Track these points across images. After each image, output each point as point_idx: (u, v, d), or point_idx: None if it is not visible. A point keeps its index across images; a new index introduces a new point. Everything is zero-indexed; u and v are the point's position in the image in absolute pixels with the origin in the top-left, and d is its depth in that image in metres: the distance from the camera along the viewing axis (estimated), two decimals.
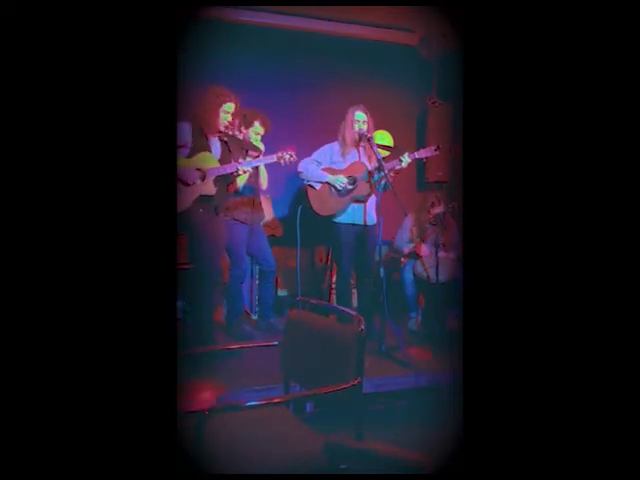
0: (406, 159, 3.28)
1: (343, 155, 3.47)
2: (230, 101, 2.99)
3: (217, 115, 2.96)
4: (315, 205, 3.46)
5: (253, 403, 1.58)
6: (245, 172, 3.05)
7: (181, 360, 1.48)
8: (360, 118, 3.39)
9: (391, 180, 3.25)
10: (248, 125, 3.49)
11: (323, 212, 3.46)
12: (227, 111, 3.00)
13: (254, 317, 4.01)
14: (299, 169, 3.50)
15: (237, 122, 3.12)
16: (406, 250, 3.90)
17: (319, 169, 3.47)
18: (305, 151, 3.56)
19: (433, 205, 3.87)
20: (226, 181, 3.11)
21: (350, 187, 3.41)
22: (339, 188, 3.41)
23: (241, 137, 3.48)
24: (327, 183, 3.44)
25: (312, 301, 1.98)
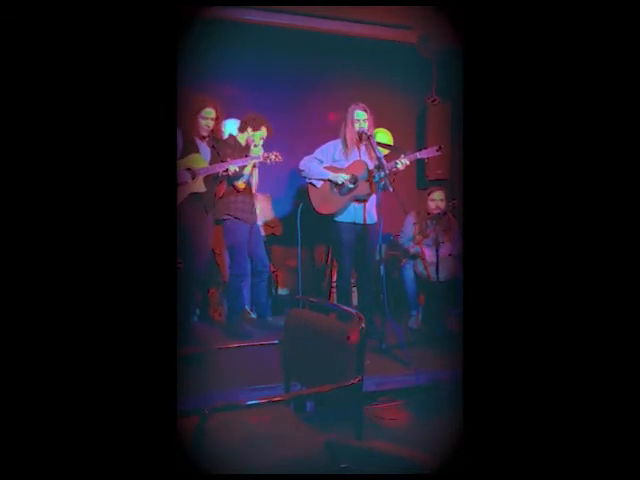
0: (403, 162, 3.28)
1: (345, 154, 3.46)
2: (209, 106, 3.05)
3: (196, 121, 3.04)
4: (316, 203, 3.46)
5: (253, 402, 1.58)
6: (235, 172, 3.13)
7: (181, 359, 1.48)
8: (360, 117, 3.37)
9: (391, 180, 3.26)
10: (256, 128, 3.55)
11: (323, 210, 3.45)
12: (206, 117, 3.06)
13: (253, 316, 4.02)
14: (300, 167, 3.50)
15: (219, 127, 3.21)
16: (411, 250, 3.91)
17: (320, 167, 3.47)
18: (304, 151, 3.57)
19: (432, 192, 3.98)
20: (216, 181, 3.20)
21: (351, 186, 3.41)
22: (339, 183, 3.40)
23: (240, 140, 3.57)
24: (328, 181, 3.44)
25: (312, 299, 1.97)
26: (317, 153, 3.51)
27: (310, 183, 3.49)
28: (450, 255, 3.82)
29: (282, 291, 4.48)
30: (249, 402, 1.56)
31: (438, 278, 3.50)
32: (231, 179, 3.39)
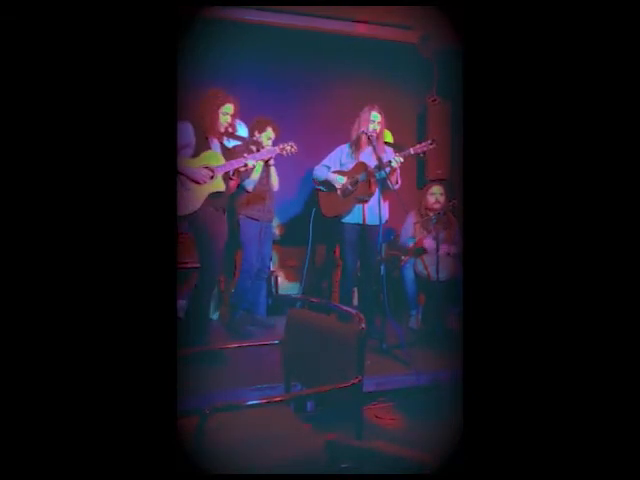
0: (397, 159, 3.31)
1: (353, 156, 3.56)
2: (229, 102, 3.02)
3: (217, 117, 2.99)
4: (324, 207, 3.62)
5: (254, 402, 1.58)
6: (252, 166, 3.13)
7: (181, 359, 1.48)
8: (375, 118, 3.44)
9: (394, 180, 3.33)
10: (261, 130, 3.68)
11: (330, 213, 3.58)
12: (226, 112, 3.03)
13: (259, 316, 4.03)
14: (313, 177, 3.67)
15: (234, 122, 3.16)
16: (410, 245, 3.92)
17: (327, 173, 3.60)
18: (305, 151, 3.57)
19: (430, 187, 4.01)
20: (232, 175, 3.16)
21: (350, 188, 3.48)
22: (337, 186, 3.50)
23: (250, 137, 3.66)
24: (330, 184, 3.55)
25: (312, 299, 1.97)
26: (326, 160, 3.65)
27: (319, 188, 3.64)
28: (450, 255, 3.82)
29: (282, 291, 4.48)
30: (250, 402, 1.56)
31: (438, 278, 3.50)
32: (240, 185, 3.46)
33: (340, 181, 3.50)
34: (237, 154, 3.19)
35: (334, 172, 3.57)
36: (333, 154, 3.66)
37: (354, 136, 3.54)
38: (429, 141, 3.37)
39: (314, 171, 3.66)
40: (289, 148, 3.23)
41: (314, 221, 3.67)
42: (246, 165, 3.07)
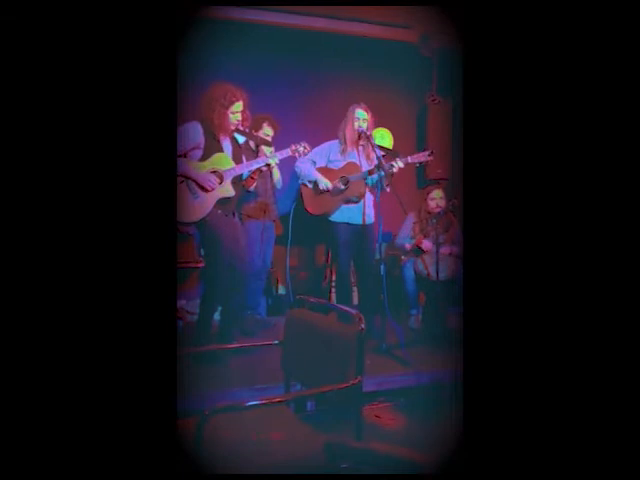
0: (398, 164, 3.28)
1: (342, 154, 3.48)
2: (237, 100, 2.95)
3: (226, 117, 2.92)
4: (307, 203, 3.52)
5: (253, 403, 1.58)
6: (261, 170, 3.10)
7: (181, 360, 1.48)
8: (361, 116, 3.39)
9: (390, 180, 3.28)
10: (257, 128, 3.61)
11: (313, 211, 3.51)
12: (236, 111, 2.96)
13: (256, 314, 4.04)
14: (295, 168, 3.54)
15: (247, 116, 3.08)
16: (407, 246, 3.92)
17: (312, 168, 3.50)
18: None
19: (431, 191, 3.99)
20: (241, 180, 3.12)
21: (342, 187, 3.43)
22: (321, 188, 3.43)
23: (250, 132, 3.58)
24: (315, 183, 3.47)
25: (312, 299, 1.97)
26: (312, 154, 3.50)
27: (303, 183, 3.54)
28: (450, 254, 3.82)
29: (282, 291, 4.48)
30: (249, 403, 1.56)
31: (438, 277, 3.50)
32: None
33: (325, 185, 3.41)
34: (246, 155, 3.16)
35: (320, 169, 3.49)
36: (320, 149, 3.53)
37: (341, 135, 3.47)
38: (427, 152, 3.33)
39: (298, 163, 3.50)
40: (302, 149, 3.16)
41: (297, 218, 3.60)
42: (268, 165, 3.03)
